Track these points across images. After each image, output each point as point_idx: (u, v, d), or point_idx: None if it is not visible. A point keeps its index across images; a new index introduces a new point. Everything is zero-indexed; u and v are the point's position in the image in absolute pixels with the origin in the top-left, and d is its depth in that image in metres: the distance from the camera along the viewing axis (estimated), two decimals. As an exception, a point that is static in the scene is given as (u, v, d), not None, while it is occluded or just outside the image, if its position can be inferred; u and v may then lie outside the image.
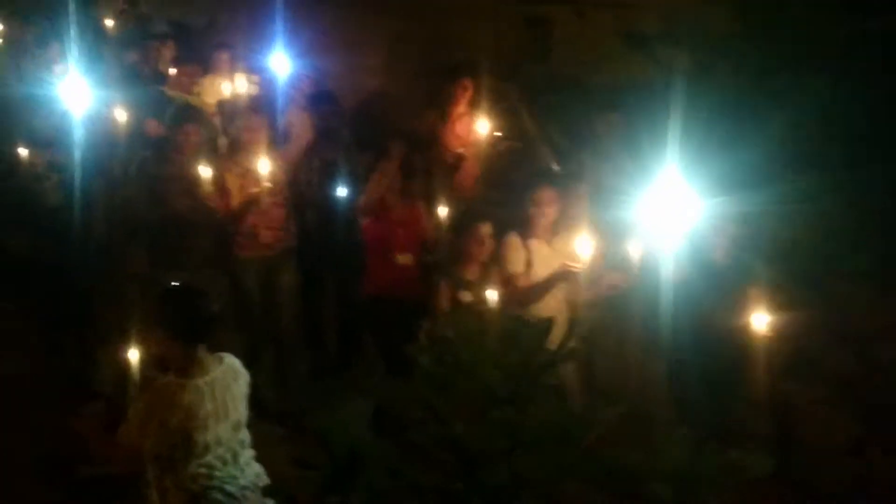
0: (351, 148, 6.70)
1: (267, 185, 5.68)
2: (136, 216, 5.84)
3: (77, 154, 5.97)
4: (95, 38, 8.83)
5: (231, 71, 7.71)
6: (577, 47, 7.81)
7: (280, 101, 6.74)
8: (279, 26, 7.38)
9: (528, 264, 5.04)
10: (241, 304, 6.04)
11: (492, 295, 4.22)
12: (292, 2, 7.92)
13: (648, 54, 6.80)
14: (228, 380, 3.60)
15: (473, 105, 6.88)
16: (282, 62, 6.76)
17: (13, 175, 6.05)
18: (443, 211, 5.56)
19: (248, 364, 5.60)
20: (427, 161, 6.42)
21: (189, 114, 6.13)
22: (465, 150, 6.62)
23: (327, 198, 6.17)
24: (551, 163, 6.54)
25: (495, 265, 4.99)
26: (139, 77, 8.04)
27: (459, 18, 8.35)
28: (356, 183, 6.16)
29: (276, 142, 6.24)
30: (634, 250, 4.76)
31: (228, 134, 6.98)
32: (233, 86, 7.38)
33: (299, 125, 6.79)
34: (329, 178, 6.25)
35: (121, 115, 6.64)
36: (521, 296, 4.83)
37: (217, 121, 7.33)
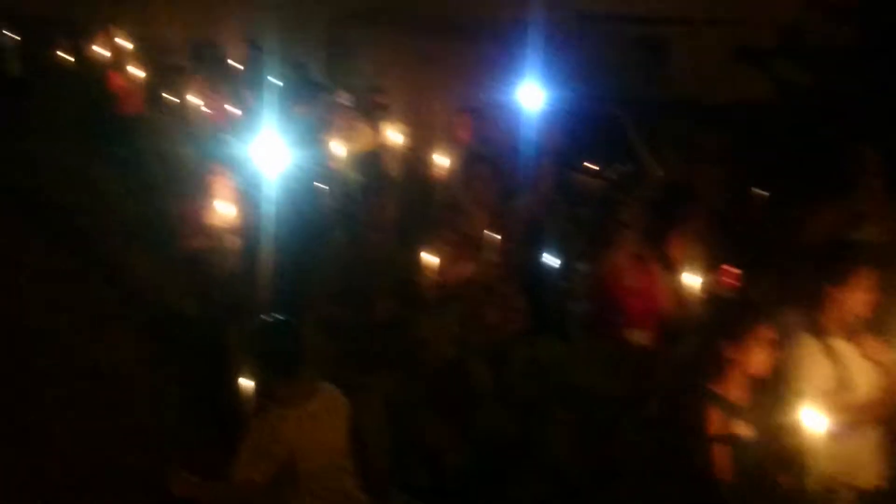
0: (555, 200, 5.42)
1: (490, 257, 4.43)
2: (329, 314, 4.50)
3: (254, 217, 4.88)
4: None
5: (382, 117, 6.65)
6: (693, 68, 7.63)
7: (512, 146, 5.29)
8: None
9: (842, 378, 3.32)
10: (472, 398, 4.53)
11: (822, 427, 2.89)
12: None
13: (765, 71, 6.57)
14: (329, 409, 3.65)
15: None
16: (533, 94, 5.06)
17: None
18: (691, 280, 3.98)
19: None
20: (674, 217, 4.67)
21: (379, 179, 4.83)
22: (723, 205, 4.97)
23: (535, 265, 4.88)
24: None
25: (777, 381, 3.30)
26: (318, 133, 6.83)
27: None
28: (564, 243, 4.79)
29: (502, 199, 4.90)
30: None
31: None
32: (378, 135, 6.33)
33: (542, 176, 5.13)
34: (536, 240, 5.01)
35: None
36: (851, 423, 3.23)
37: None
